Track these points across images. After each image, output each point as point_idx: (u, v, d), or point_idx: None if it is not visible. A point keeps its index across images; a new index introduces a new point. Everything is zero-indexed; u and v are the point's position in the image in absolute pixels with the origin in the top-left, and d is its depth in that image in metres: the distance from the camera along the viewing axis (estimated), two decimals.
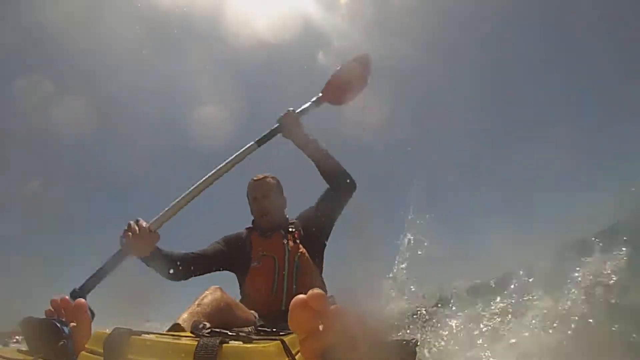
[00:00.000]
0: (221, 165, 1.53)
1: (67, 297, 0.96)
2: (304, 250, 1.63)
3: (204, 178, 1.49)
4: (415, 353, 0.81)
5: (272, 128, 1.69)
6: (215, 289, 1.26)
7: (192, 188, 1.46)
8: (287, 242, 1.63)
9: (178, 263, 1.51)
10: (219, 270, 1.69)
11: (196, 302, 1.18)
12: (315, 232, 1.72)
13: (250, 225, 1.80)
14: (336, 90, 1.82)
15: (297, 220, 1.77)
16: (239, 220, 1.89)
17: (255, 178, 1.79)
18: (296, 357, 0.68)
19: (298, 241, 1.66)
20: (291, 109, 1.72)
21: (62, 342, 0.87)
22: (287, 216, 1.80)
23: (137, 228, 1.32)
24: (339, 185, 1.71)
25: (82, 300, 0.93)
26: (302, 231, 1.71)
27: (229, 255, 1.68)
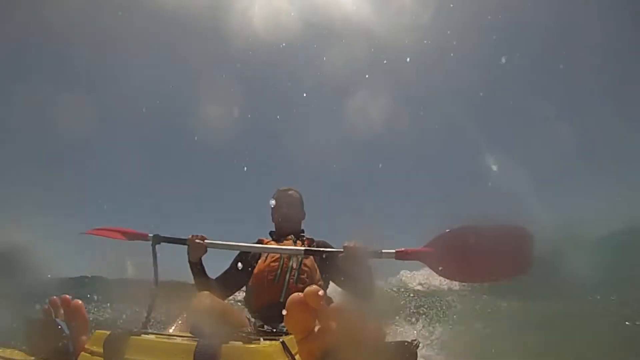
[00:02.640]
0: (269, 247, 1.73)
1: (68, 296, 0.96)
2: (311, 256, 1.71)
3: (257, 245, 1.72)
4: (416, 354, 0.80)
5: (333, 249, 1.51)
6: (204, 295, 1.26)
7: (245, 244, 1.72)
8: (296, 244, 1.75)
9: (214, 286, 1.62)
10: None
11: (187, 309, 1.17)
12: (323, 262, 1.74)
13: (264, 237, 1.90)
14: (457, 259, 1.21)
15: (315, 239, 1.84)
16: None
17: (281, 189, 1.97)
18: (296, 357, 0.67)
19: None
20: (362, 245, 1.39)
21: (62, 343, 0.87)
22: (304, 229, 1.93)
23: (195, 237, 1.62)
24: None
25: (79, 301, 0.95)
26: (315, 244, 1.76)
27: (245, 267, 1.74)
